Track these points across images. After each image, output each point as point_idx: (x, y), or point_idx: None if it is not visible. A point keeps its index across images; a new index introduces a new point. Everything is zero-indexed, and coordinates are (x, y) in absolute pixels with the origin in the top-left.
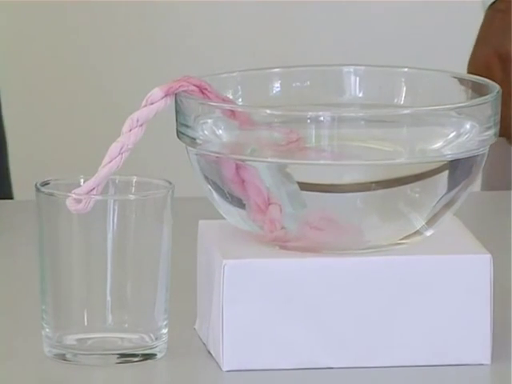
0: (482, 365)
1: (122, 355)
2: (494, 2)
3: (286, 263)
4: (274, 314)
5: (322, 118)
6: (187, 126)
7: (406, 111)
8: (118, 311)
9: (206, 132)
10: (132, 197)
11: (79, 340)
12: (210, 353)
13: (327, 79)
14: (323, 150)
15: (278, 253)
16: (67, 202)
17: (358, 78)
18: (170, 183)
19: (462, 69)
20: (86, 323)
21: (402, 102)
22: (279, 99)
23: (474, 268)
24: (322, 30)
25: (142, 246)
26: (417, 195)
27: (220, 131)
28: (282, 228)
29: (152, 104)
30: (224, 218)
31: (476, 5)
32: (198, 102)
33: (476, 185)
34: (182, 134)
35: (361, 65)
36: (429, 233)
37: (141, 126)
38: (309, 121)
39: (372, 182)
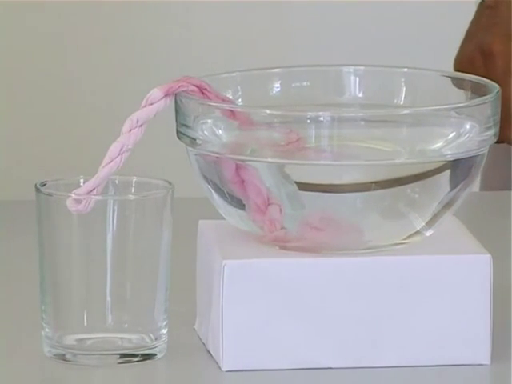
0: (482, 365)
1: (122, 355)
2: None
3: (286, 263)
4: (273, 314)
5: (321, 118)
6: (187, 126)
7: (406, 111)
8: (118, 311)
9: (205, 132)
10: (132, 197)
11: (79, 340)
12: (209, 353)
13: (327, 79)
14: (323, 150)
15: (277, 253)
16: (67, 202)
17: (357, 78)
18: (170, 183)
19: None
20: (85, 323)
21: (402, 102)
22: (279, 99)
23: (474, 268)
24: (322, 30)
25: (141, 246)
26: (416, 195)
27: (220, 131)
28: (282, 228)
29: (152, 104)
30: (224, 218)
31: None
32: (197, 102)
33: (475, 185)
34: (182, 134)
35: (361, 65)
36: (429, 233)
37: (141, 126)
38: (309, 121)
39: (372, 182)
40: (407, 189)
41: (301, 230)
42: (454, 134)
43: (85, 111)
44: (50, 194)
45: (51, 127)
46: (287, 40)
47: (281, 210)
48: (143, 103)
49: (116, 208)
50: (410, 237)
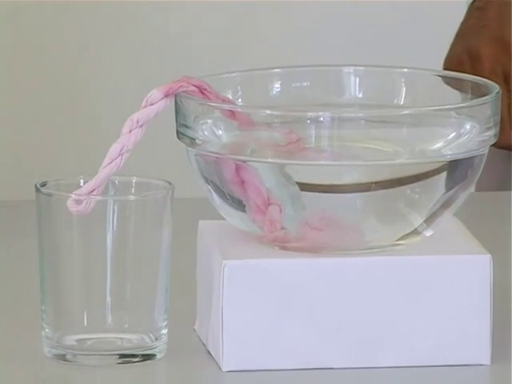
0: (482, 365)
1: (122, 355)
2: (474, 1)
3: (286, 264)
4: (273, 315)
5: (321, 119)
6: (187, 127)
7: (406, 111)
8: (118, 312)
9: (205, 132)
10: (132, 197)
11: (79, 340)
12: (209, 353)
13: (327, 79)
14: (323, 151)
15: (277, 253)
16: (68, 202)
17: (357, 78)
18: (170, 184)
19: None
20: (85, 324)
21: (402, 102)
22: (279, 99)
23: (474, 268)
24: (322, 30)
25: (141, 247)
26: (417, 195)
27: (220, 132)
28: (282, 228)
29: (152, 105)
30: (224, 219)
31: None
32: (197, 103)
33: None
34: (182, 134)
35: (361, 65)
36: (428, 233)
37: (141, 126)
38: (309, 121)
39: (372, 183)
40: (407, 189)
41: (301, 231)
42: (454, 134)
43: (85, 111)
44: (50, 195)
45: (51, 127)
46: (287, 40)
47: (281, 211)
48: (143, 104)
49: (116, 208)
50: (410, 237)
